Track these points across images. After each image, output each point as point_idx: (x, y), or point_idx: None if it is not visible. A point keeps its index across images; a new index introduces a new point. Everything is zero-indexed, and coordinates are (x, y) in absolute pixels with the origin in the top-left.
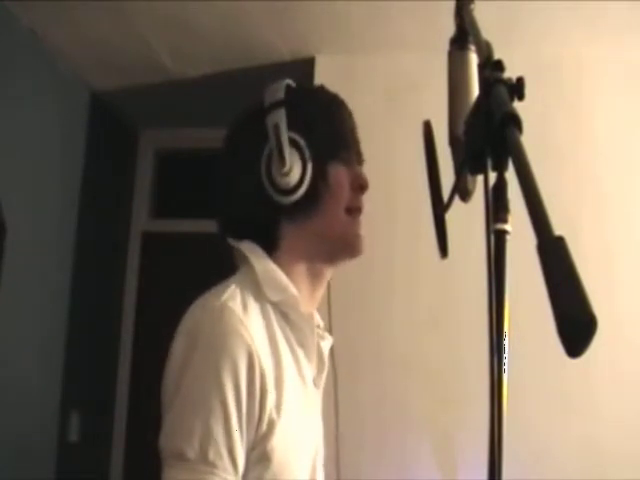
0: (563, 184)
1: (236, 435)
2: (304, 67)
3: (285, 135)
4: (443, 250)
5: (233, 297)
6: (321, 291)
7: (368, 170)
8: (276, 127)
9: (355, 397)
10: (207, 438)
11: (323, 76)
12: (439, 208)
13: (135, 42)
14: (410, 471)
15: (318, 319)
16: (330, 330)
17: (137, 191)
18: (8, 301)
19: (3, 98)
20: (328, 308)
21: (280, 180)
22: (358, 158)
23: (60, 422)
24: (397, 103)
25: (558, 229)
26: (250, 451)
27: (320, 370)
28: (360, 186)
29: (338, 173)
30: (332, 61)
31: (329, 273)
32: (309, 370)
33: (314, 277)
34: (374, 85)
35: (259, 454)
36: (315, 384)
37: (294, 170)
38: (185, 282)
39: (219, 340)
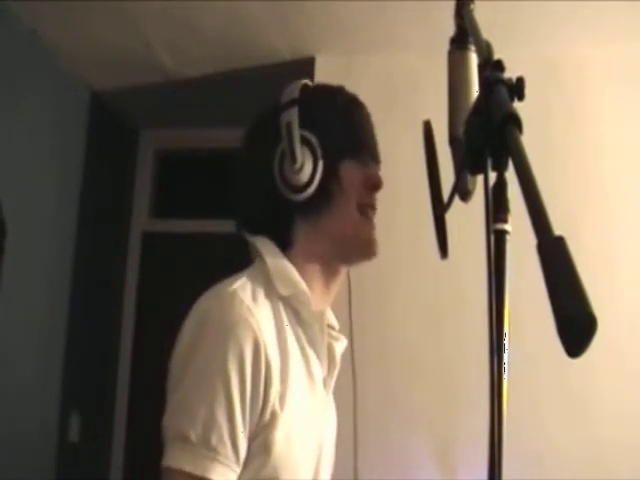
0: (565, 184)
1: (239, 423)
2: (304, 67)
3: (297, 133)
4: (443, 250)
5: (243, 287)
6: (335, 288)
7: None
8: (288, 125)
9: (356, 397)
10: (210, 423)
11: (323, 76)
12: (439, 208)
13: (135, 42)
14: (410, 471)
15: (333, 320)
16: (351, 328)
17: (137, 191)
18: (8, 301)
19: (3, 98)
20: (349, 307)
21: (292, 177)
22: (374, 159)
23: (60, 422)
24: (397, 103)
25: (560, 229)
26: (251, 441)
27: (331, 370)
28: (373, 185)
29: (350, 171)
30: (332, 61)
31: (344, 271)
32: (319, 370)
33: (328, 275)
34: (374, 85)
35: (260, 445)
36: (325, 385)
37: (305, 167)
38: (185, 282)
39: (227, 327)
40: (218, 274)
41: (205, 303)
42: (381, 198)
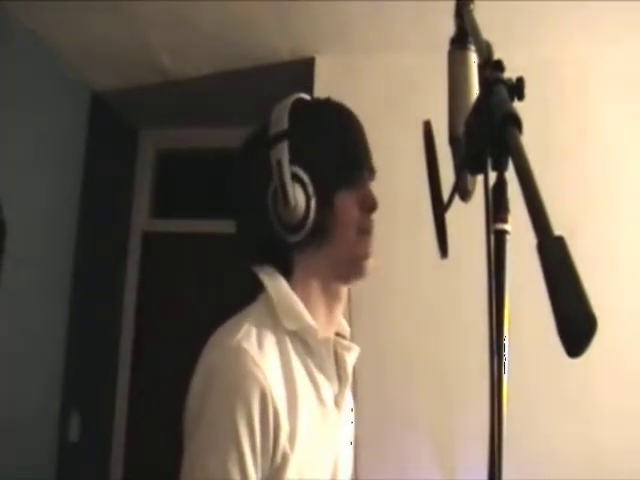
0: (564, 184)
1: (251, 472)
2: (304, 67)
3: (288, 172)
4: (443, 250)
5: (248, 335)
6: (339, 308)
7: None
8: (279, 164)
9: (355, 397)
10: (223, 474)
11: (323, 76)
12: (439, 208)
13: (135, 42)
14: (410, 471)
15: (345, 327)
16: (351, 332)
17: (137, 191)
18: (8, 301)
19: (3, 98)
20: (349, 317)
21: (286, 217)
22: (370, 173)
23: (60, 422)
24: (397, 103)
25: (558, 229)
26: None
27: (342, 386)
28: (369, 207)
29: (345, 201)
30: (332, 61)
31: (345, 290)
32: (329, 391)
33: (330, 296)
34: (374, 85)
35: None
36: (336, 404)
37: (299, 206)
38: (185, 282)
39: (233, 383)
40: (217, 274)
41: (212, 355)
42: (381, 198)
